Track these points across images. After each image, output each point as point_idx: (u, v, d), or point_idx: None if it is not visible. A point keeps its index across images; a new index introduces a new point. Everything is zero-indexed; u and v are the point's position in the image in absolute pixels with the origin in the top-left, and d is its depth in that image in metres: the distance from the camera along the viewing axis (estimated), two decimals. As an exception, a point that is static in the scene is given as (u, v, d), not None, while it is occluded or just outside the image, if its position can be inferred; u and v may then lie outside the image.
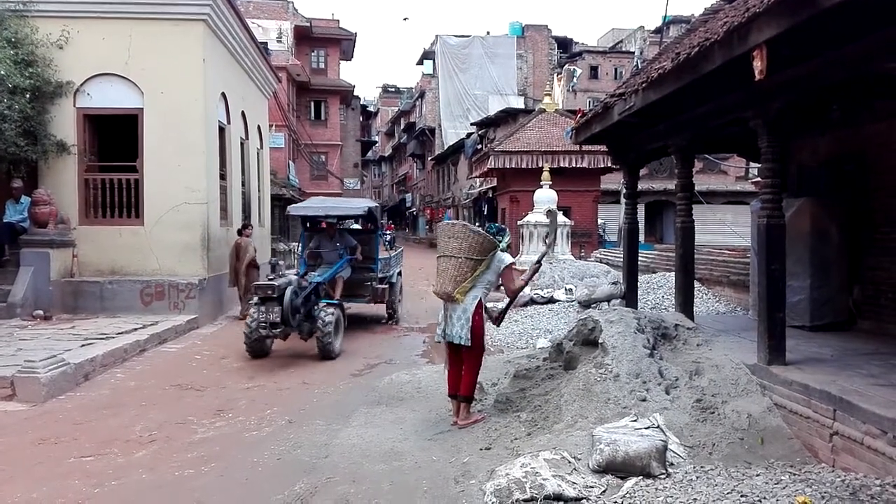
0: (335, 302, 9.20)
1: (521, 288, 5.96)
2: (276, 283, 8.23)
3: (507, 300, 6.24)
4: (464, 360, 5.62)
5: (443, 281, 5.54)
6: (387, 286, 11.24)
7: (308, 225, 11.43)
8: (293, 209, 11.25)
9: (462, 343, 5.48)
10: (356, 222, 13.04)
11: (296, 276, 8.93)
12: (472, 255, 5.48)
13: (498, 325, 6.59)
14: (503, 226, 6.12)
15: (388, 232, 37.53)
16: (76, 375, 7.26)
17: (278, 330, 8.22)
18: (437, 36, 46.74)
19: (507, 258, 5.75)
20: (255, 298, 8.41)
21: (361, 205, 11.17)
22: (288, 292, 8.22)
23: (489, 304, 5.93)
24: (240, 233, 12.65)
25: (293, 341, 9.14)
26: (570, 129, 9.15)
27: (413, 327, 11.75)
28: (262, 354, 8.72)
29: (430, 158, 51.17)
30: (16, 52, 10.45)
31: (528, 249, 16.94)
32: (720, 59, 4.74)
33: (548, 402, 5.49)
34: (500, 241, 5.80)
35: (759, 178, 5.83)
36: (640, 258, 9.67)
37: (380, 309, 12.11)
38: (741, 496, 3.40)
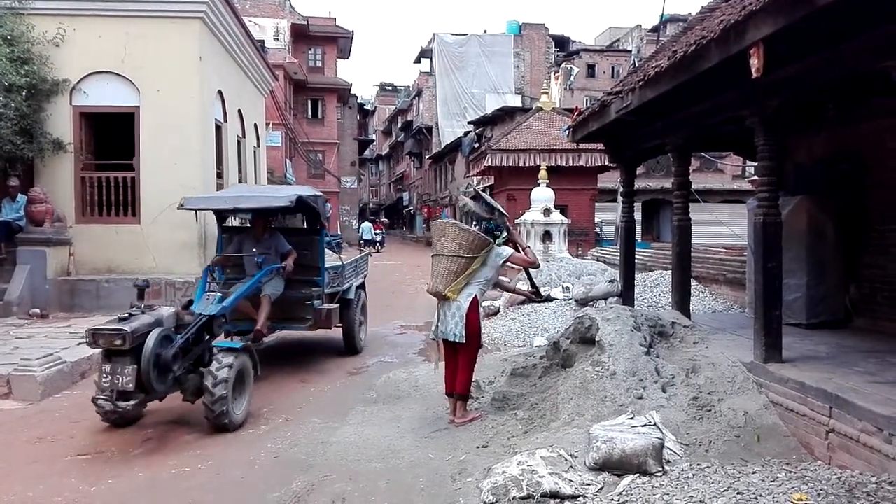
0: (235, 346, 5.90)
1: (533, 260, 6.06)
2: (128, 327, 5.21)
3: (522, 281, 6.38)
4: (459, 358, 5.62)
5: (435, 280, 5.58)
6: (337, 306, 8.24)
7: (226, 223, 8.56)
8: (189, 201, 7.81)
9: (456, 340, 5.50)
10: (303, 221, 9.35)
11: (171, 310, 5.99)
12: (464, 254, 5.49)
13: (540, 299, 7.21)
14: (505, 215, 6.12)
15: (377, 231, 37.47)
16: (73, 374, 7.25)
17: (130, 403, 5.25)
18: (434, 34, 46.70)
19: (506, 252, 5.75)
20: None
21: (288, 193, 7.64)
22: (150, 342, 5.27)
23: (486, 303, 5.95)
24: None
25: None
26: (568, 126, 9.15)
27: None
28: (131, 422, 5.86)
29: (427, 157, 51.16)
30: (11, 49, 10.42)
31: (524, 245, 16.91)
32: (717, 57, 4.75)
33: (545, 400, 5.50)
34: (498, 237, 5.80)
35: (755, 177, 5.84)
36: (636, 256, 9.67)
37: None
38: (737, 494, 3.40)
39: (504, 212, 6.17)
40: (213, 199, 8.44)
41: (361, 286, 9.51)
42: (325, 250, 8.59)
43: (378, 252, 33.23)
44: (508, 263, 5.87)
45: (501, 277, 6.28)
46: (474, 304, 5.53)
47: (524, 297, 8.19)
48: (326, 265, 8.27)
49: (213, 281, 6.97)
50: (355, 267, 9.41)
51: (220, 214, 8.37)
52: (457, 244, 5.51)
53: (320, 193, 8.50)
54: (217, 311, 6.07)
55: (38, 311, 10.13)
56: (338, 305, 8.23)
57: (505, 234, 5.96)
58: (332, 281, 8.36)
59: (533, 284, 6.79)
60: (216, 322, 6.12)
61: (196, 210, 9.33)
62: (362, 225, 40.29)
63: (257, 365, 6.18)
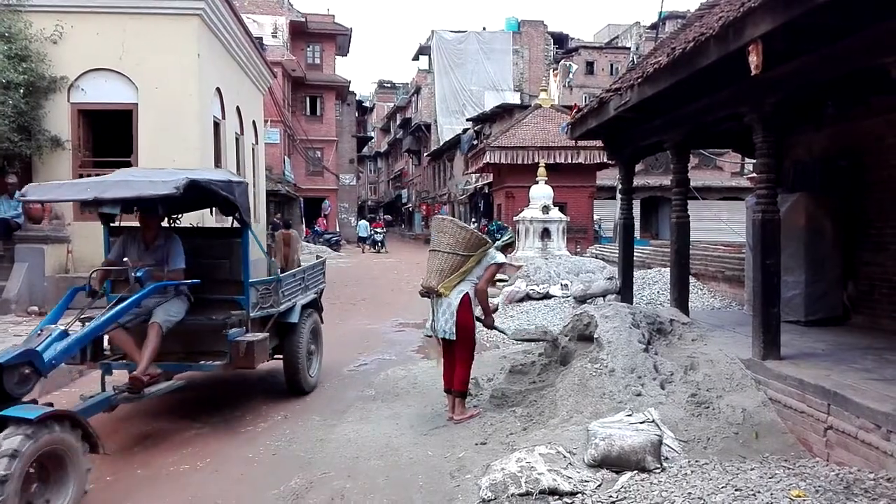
0: (28, 416, 3.66)
1: (482, 291, 5.71)
2: None
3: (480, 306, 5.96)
4: (455, 355, 5.63)
5: (429, 275, 5.62)
6: (265, 336, 5.88)
7: (113, 222, 6.16)
8: (32, 191, 5.59)
9: (447, 337, 5.52)
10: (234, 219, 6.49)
11: None
12: (459, 251, 5.50)
13: (491, 327, 6.12)
14: (505, 225, 6.11)
15: (378, 230, 36.42)
16: (71, 371, 7.24)
17: None
18: (432, 31, 46.66)
19: (499, 257, 5.76)
20: None
21: (175, 177, 5.18)
22: None
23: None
24: (287, 226, 16.73)
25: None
26: (567, 123, 9.15)
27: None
28: None
29: (425, 154, 51.12)
30: (9, 46, 10.40)
31: (524, 245, 16.94)
32: (715, 54, 4.75)
33: (543, 397, 5.50)
34: (499, 239, 5.81)
35: (754, 174, 5.84)
36: (635, 254, 9.67)
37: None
38: (736, 490, 3.41)
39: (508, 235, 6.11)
40: (68, 188, 5.89)
41: (314, 304, 7.32)
42: (302, 248, 6.94)
43: (379, 252, 32.84)
44: (501, 265, 5.83)
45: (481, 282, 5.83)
46: (465, 301, 5.53)
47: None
48: (256, 279, 6.18)
49: (92, 301, 5.34)
50: (301, 280, 7.07)
51: (95, 209, 5.84)
52: (454, 241, 5.53)
53: (239, 179, 6.37)
54: (12, 360, 3.97)
55: (36, 308, 10.12)
56: (266, 335, 5.92)
57: (507, 237, 5.97)
58: (261, 301, 6.11)
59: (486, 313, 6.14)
60: (11, 375, 3.95)
61: (42, 202, 7.74)
62: (359, 223, 40.14)
63: (96, 441, 4.10)
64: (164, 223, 6.18)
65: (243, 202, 6.01)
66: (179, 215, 6.56)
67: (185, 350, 5.87)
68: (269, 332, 6.06)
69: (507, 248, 6.03)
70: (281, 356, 6.68)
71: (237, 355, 5.60)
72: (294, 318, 6.62)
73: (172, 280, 5.57)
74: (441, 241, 5.60)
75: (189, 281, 5.68)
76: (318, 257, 8.41)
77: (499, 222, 5.74)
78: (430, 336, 5.88)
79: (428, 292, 5.67)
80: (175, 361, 5.72)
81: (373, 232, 35.69)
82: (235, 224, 6.23)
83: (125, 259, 5.42)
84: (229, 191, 5.78)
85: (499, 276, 6.11)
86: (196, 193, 5.46)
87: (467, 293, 5.56)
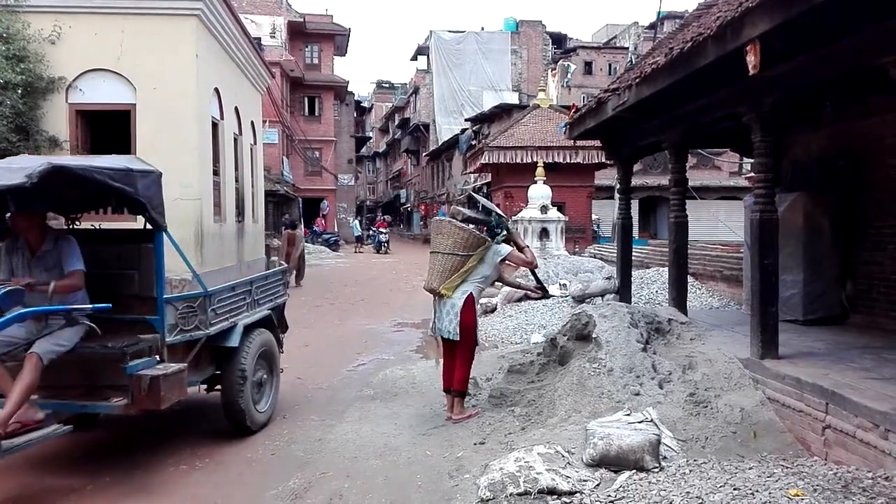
0: None
1: (531, 260, 5.99)
2: None
3: (525, 279, 6.28)
4: (456, 355, 5.63)
5: (430, 277, 5.63)
6: (182, 367, 4.74)
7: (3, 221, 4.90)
8: None
9: (450, 337, 5.52)
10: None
11: None
12: (459, 251, 5.51)
13: (546, 295, 6.89)
14: (501, 213, 6.10)
15: (382, 230, 35.96)
16: None
17: None
18: (431, 31, 46.69)
19: (504, 249, 5.74)
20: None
21: (32, 164, 4.05)
22: None
23: (483, 300, 5.94)
24: (294, 226, 18.77)
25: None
26: (564, 124, 9.15)
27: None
28: None
29: (424, 154, 51.12)
30: (7, 47, 10.39)
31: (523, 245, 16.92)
32: (713, 54, 4.75)
33: (542, 397, 5.50)
34: (498, 234, 5.80)
35: (752, 174, 5.85)
36: (633, 253, 9.68)
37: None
38: (734, 489, 3.41)
39: (500, 212, 6.13)
40: None
41: (267, 322, 6.03)
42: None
43: (381, 252, 32.52)
44: (507, 262, 5.87)
45: (504, 274, 6.29)
46: (469, 301, 5.54)
47: (525, 293, 7.87)
48: (176, 294, 5.19)
49: None
50: (246, 293, 5.81)
51: None
52: (452, 242, 5.53)
53: (145, 167, 4.92)
54: None
55: (34, 309, 10.10)
56: (182, 366, 4.73)
57: (505, 232, 5.97)
58: (182, 321, 4.91)
59: (538, 280, 6.63)
60: None
61: None
62: (353, 222, 40.08)
63: None
64: (64, 225, 5.27)
65: (151, 197, 4.75)
66: (79, 215, 5.56)
67: (86, 384, 4.65)
68: (192, 361, 4.93)
69: (507, 239, 6.01)
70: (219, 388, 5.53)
71: (138, 393, 4.45)
72: (233, 342, 5.33)
73: (71, 288, 4.52)
74: (440, 243, 5.61)
75: (95, 306, 4.52)
76: (277, 266, 7.38)
77: (496, 211, 5.54)
78: (433, 336, 5.88)
79: (431, 293, 5.70)
80: (72, 399, 4.56)
81: (375, 232, 35.02)
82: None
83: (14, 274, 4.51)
84: (126, 182, 4.53)
85: (503, 274, 6.14)
86: (82, 187, 4.51)
87: (471, 293, 5.56)
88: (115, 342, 4.56)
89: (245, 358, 5.42)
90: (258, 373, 5.68)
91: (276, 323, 6.28)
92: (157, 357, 4.71)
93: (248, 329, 5.57)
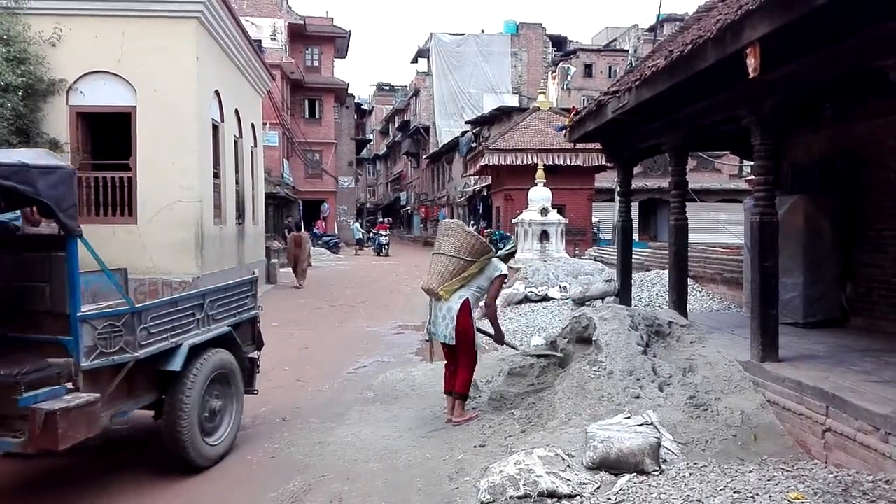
0: None
1: (491, 307, 5.75)
2: None
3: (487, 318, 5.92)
4: (458, 359, 5.63)
5: (430, 277, 5.62)
6: (93, 398, 3.99)
7: None
8: None
9: (447, 342, 5.52)
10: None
11: None
12: (462, 255, 5.50)
13: (501, 343, 6.03)
14: (508, 234, 6.09)
15: (383, 232, 35.91)
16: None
17: None
18: (431, 34, 46.69)
19: (502, 268, 5.75)
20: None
21: None
22: None
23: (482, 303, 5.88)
24: (299, 228, 20.11)
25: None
26: (563, 126, 9.15)
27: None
28: None
29: (424, 157, 51.14)
30: (8, 49, 10.40)
31: (523, 247, 16.92)
32: (713, 56, 4.75)
33: (542, 400, 5.50)
34: (502, 248, 5.79)
35: (752, 176, 5.84)
36: (634, 256, 9.68)
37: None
38: (734, 493, 3.41)
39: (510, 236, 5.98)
40: None
41: (226, 340, 5.26)
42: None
43: (381, 255, 32.42)
44: (498, 279, 5.76)
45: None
46: (465, 307, 5.53)
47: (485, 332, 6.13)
48: (93, 311, 4.47)
49: None
50: (196, 308, 5.03)
51: None
52: (457, 245, 5.53)
53: (51, 163, 4.17)
54: None
55: (34, 311, 10.09)
56: (93, 397, 3.99)
57: (510, 247, 5.96)
58: (103, 343, 4.14)
59: (498, 327, 5.96)
60: None
61: None
62: (353, 225, 40.07)
63: None
64: None
65: (58, 198, 3.99)
66: None
67: None
68: (124, 387, 4.35)
69: (508, 256, 6.03)
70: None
71: (33, 429, 3.72)
72: (175, 366, 4.60)
73: None
74: (445, 245, 5.60)
75: None
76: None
77: (502, 231, 5.67)
78: (429, 340, 5.85)
79: (428, 293, 5.69)
80: None
81: (376, 234, 34.93)
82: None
83: None
84: (20, 180, 3.78)
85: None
86: None
87: (467, 299, 5.56)
88: (8, 368, 3.74)
89: (190, 384, 4.67)
90: (211, 400, 4.96)
91: (238, 341, 5.42)
92: (69, 385, 3.98)
93: (198, 349, 4.84)
